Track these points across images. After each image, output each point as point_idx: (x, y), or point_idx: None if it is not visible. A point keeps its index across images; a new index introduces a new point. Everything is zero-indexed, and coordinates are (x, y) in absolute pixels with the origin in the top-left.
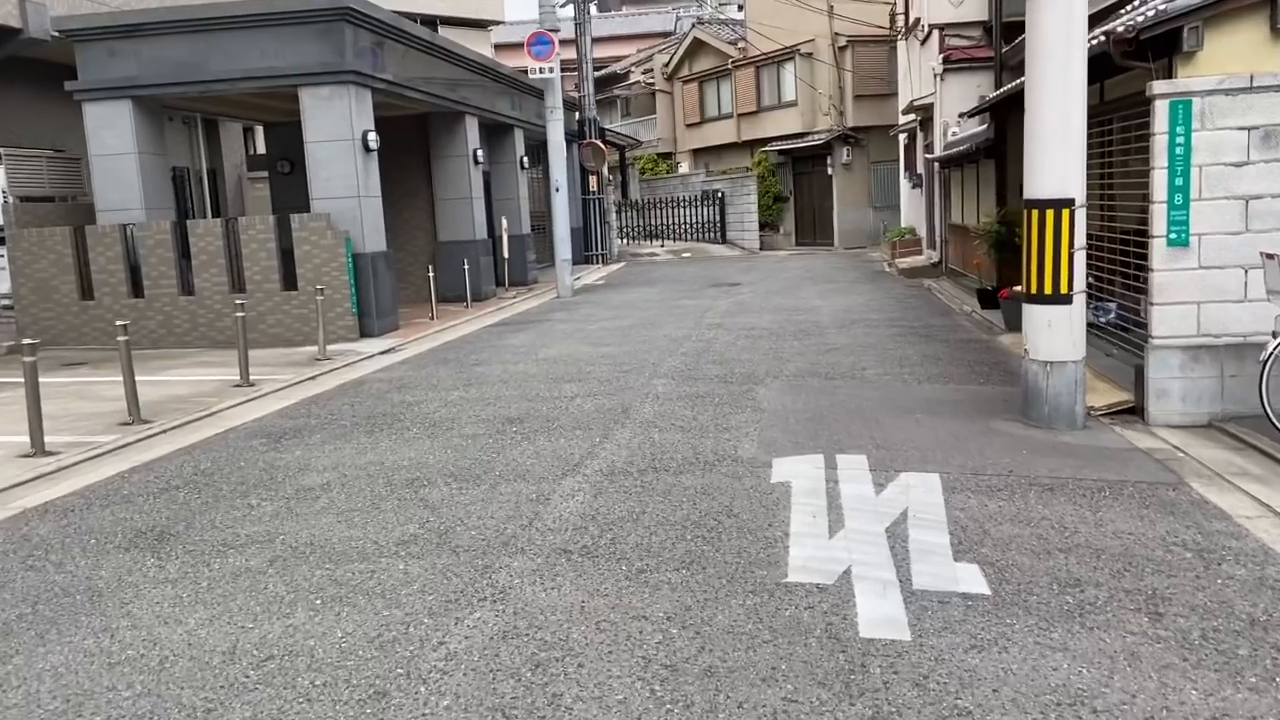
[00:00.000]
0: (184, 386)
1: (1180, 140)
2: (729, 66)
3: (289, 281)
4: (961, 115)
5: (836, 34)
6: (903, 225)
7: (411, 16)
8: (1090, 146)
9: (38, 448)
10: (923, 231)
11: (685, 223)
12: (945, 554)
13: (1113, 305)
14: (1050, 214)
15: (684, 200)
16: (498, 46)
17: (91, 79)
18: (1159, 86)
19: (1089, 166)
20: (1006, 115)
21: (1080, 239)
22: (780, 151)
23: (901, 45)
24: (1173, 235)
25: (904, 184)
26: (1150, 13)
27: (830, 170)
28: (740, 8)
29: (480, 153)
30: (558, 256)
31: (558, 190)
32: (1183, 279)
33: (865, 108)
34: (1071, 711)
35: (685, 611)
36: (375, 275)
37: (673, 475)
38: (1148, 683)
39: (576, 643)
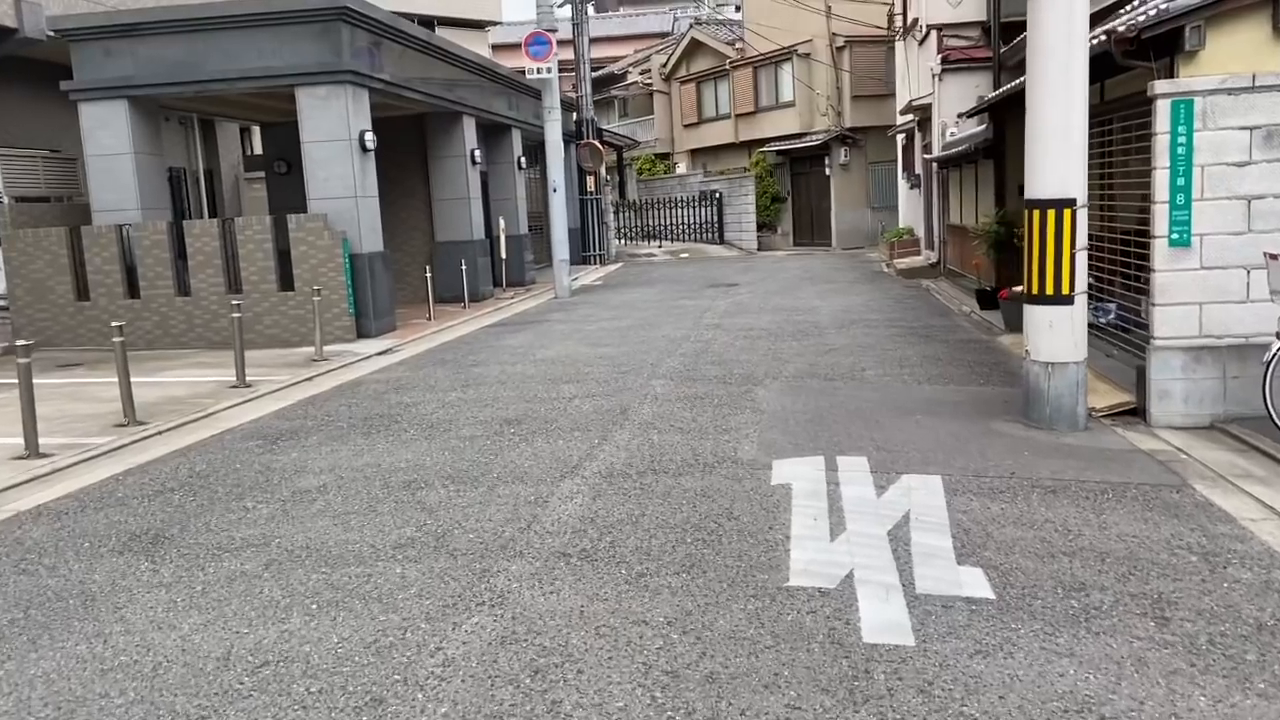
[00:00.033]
0: (180, 388)
1: (1182, 140)
2: (727, 67)
3: (286, 282)
4: (960, 115)
5: (834, 34)
6: (901, 226)
7: (409, 16)
8: (1091, 146)
9: (32, 449)
10: (921, 232)
11: (683, 223)
12: (948, 557)
13: (1113, 306)
14: (1051, 214)
15: (682, 201)
16: (495, 47)
17: (87, 79)
18: (1161, 86)
19: (1089, 167)
20: (1005, 115)
21: (1082, 239)
22: (778, 152)
23: (899, 45)
24: (1174, 235)
25: (902, 184)
26: (1152, 12)
27: (828, 171)
28: (738, 8)
29: (478, 153)
30: (555, 257)
31: (555, 191)
32: (1184, 279)
33: (863, 108)
34: (1079, 719)
35: (686, 616)
36: (372, 276)
37: (672, 477)
38: (1155, 689)
39: (576, 648)
